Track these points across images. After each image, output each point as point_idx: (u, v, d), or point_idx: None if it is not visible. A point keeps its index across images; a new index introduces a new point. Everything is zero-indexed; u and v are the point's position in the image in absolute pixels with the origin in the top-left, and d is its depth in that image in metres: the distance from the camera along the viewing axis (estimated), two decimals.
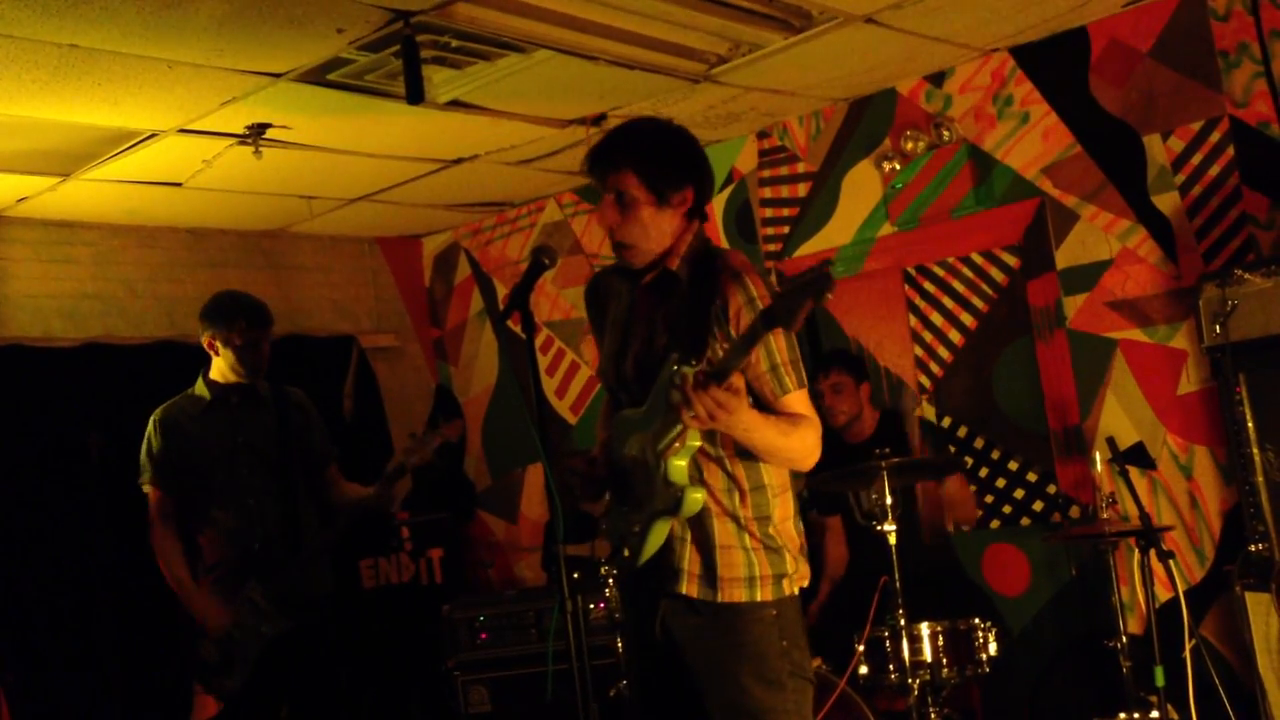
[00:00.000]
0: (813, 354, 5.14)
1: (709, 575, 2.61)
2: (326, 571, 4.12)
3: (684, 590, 2.62)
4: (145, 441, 4.02)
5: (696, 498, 2.53)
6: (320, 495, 4.14)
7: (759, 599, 2.60)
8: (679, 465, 2.51)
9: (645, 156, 2.61)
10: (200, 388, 4.05)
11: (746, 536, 2.62)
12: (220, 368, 4.02)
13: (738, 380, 2.43)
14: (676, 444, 2.50)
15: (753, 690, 2.57)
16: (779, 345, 2.57)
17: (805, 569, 2.72)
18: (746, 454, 2.62)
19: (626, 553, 2.63)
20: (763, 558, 2.62)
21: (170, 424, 4.01)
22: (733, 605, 2.60)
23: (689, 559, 2.62)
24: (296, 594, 3.93)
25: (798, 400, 2.59)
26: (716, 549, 2.61)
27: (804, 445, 2.59)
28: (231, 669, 3.87)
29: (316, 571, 4.04)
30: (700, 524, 2.61)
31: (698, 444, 2.52)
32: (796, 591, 2.68)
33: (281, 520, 3.97)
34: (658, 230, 2.62)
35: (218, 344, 3.98)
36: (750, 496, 2.63)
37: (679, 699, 2.67)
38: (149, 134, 4.29)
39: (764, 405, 2.58)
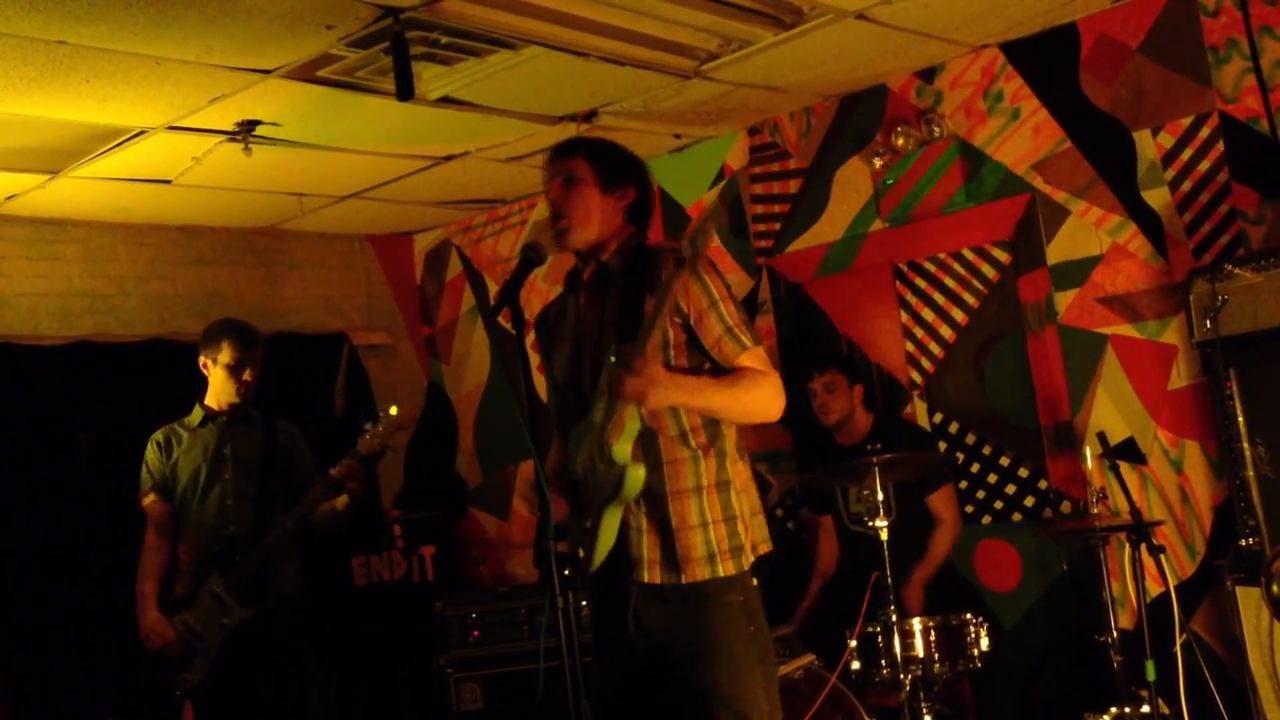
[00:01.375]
0: (806, 353, 5.15)
1: (670, 559, 2.68)
2: (294, 574, 4.22)
3: (646, 578, 2.69)
4: (145, 460, 4.23)
5: (637, 474, 2.62)
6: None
7: (721, 574, 2.68)
8: (620, 447, 2.61)
9: (597, 148, 2.91)
10: (195, 414, 4.26)
11: (706, 509, 2.70)
12: (214, 392, 4.22)
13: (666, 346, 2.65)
14: (618, 429, 2.60)
15: (722, 678, 2.64)
16: (728, 309, 2.73)
17: (751, 545, 2.77)
18: (712, 423, 2.74)
19: (581, 553, 2.70)
20: (720, 531, 2.71)
21: (166, 442, 4.23)
22: (699, 589, 2.67)
23: (647, 546, 2.70)
24: (258, 585, 4.03)
25: (753, 357, 2.74)
26: (674, 531, 2.69)
27: (755, 395, 2.71)
28: (191, 663, 3.99)
29: (282, 571, 4.14)
30: (658, 507, 2.69)
31: (638, 426, 2.63)
32: (754, 559, 2.76)
33: (254, 524, 4.10)
34: (597, 212, 2.84)
35: (209, 364, 4.19)
36: (715, 461, 2.73)
37: (653, 690, 2.74)
38: (138, 131, 4.28)
39: (724, 370, 2.72)
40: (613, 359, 2.59)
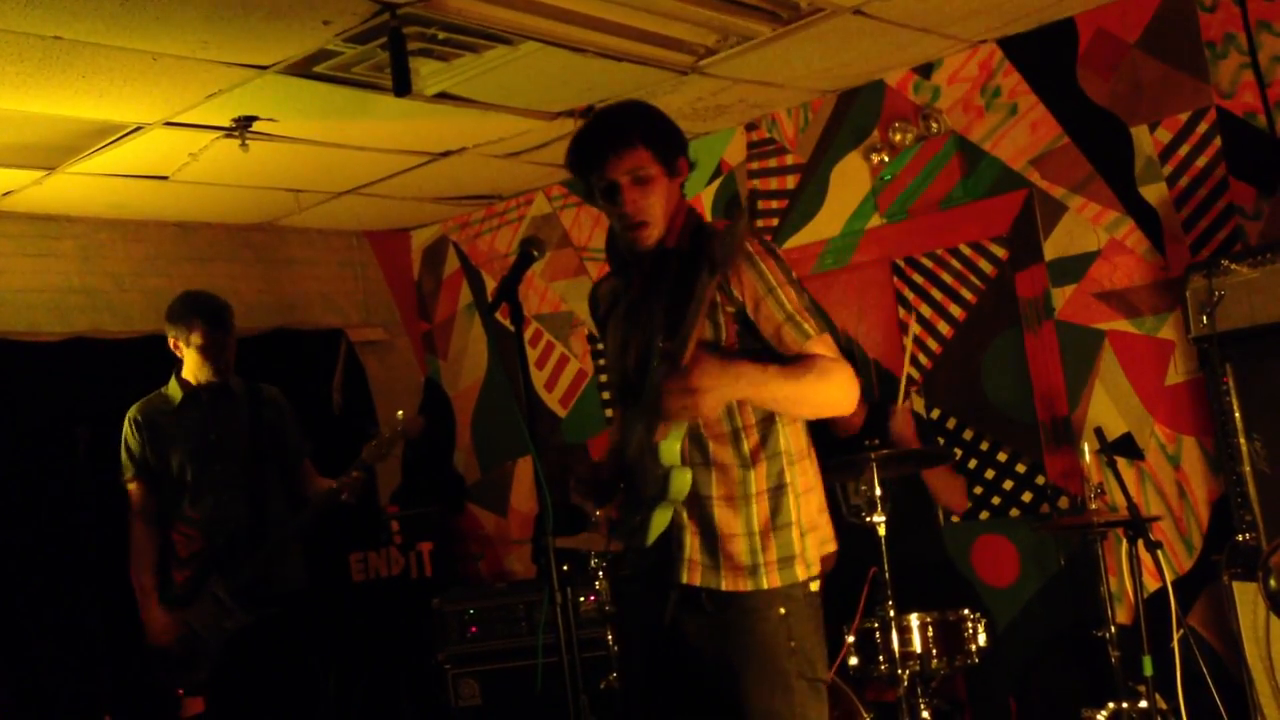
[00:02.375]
0: None
1: (713, 562, 2.54)
2: (298, 568, 4.14)
3: (687, 579, 2.54)
4: (123, 440, 4.08)
5: (684, 478, 2.46)
6: (293, 491, 4.17)
7: (765, 586, 2.52)
8: (668, 447, 2.45)
9: (651, 130, 2.58)
10: (172, 386, 4.09)
11: (754, 518, 2.53)
12: (190, 367, 4.06)
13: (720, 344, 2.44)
14: (665, 428, 2.44)
15: (756, 692, 2.50)
16: (788, 295, 2.51)
17: (818, 550, 2.60)
18: (767, 421, 2.56)
19: (629, 547, 2.59)
20: (769, 541, 2.53)
21: (145, 421, 4.06)
22: (739, 599, 2.53)
23: (690, 546, 2.55)
24: (261, 589, 3.95)
25: (822, 344, 2.52)
26: (719, 537, 2.53)
27: (828, 384, 2.48)
28: (194, 663, 3.93)
29: (285, 567, 4.07)
30: (702, 510, 2.54)
31: (684, 426, 2.47)
32: (813, 574, 2.58)
33: (250, 516, 4.00)
34: (671, 203, 2.59)
35: (180, 345, 4.02)
36: (766, 465, 2.55)
37: (682, 693, 2.63)
38: (134, 127, 4.27)
39: (787, 359, 2.50)
40: (656, 364, 2.44)
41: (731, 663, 2.53)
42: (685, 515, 2.55)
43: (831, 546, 2.66)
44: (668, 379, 2.34)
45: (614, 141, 2.54)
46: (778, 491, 2.56)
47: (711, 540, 2.54)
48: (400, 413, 4.09)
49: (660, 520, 2.52)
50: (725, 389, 2.39)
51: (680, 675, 2.62)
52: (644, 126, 2.58)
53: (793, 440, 2.60)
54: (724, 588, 2.53)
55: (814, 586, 2.61)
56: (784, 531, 2.55)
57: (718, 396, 2.39)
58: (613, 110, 2.68)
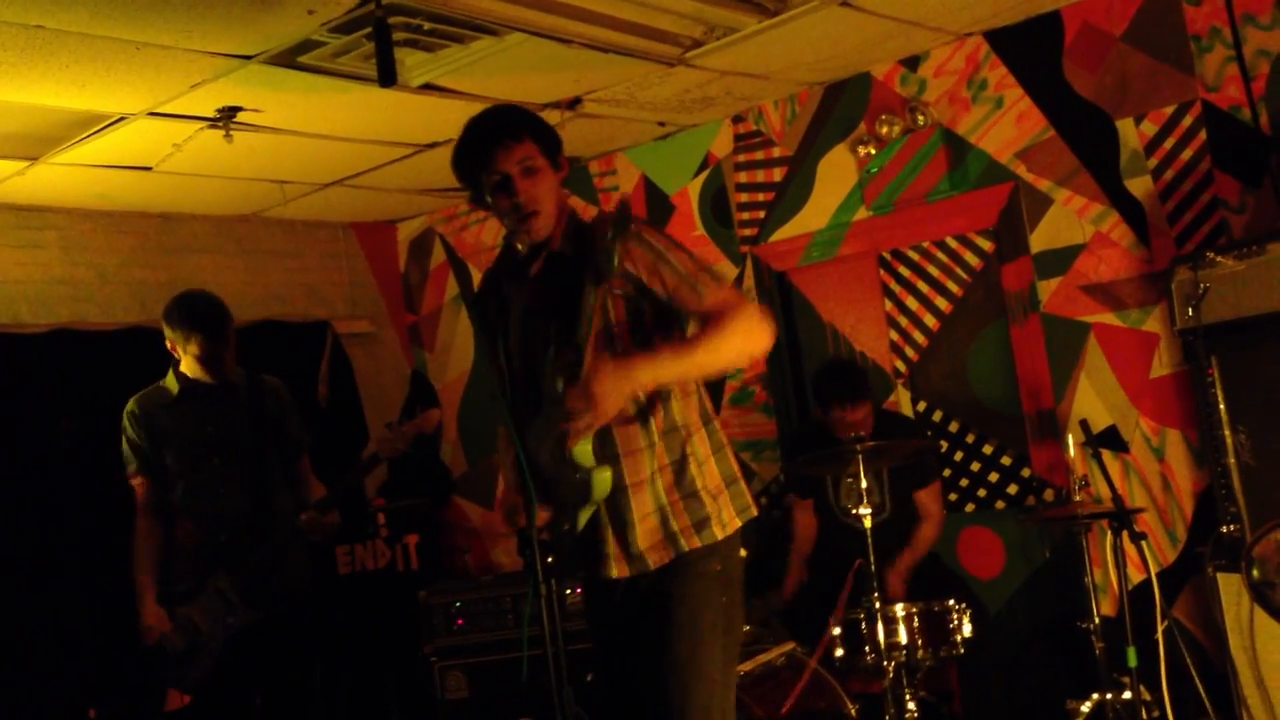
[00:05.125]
0: (790, 342, 5.16)
1: (633, 551, 2.63)
2: (303, 564, 4.06)
3: (613, 574, 2.65)
4: (123, 435, 4.00)
5: (604, 477, 2.55)
6: (294, 485, 4.10)
7: (685, 549, 2.63)
8: (582, 450, 2.53)
9: (534, 126, 2.68)
10: (170, 380, 4.02)
11: (662, 493, 2.63)
12: (188, 366, 3.99)
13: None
14: (575, 437, 2.52)
15: (678, 643, 2.59)
16: (679, 259, 2.60)
17: (733, 508, 2.70)
18: (662, 399, 2.64)
19: (562, 554, 2.62)
20: (679, 510, 2.64)
21: (143, 414, 3.99)
22: (675, 560, 2.63)
23: (609, 541, 2.65)
24: (266, 585, 3.88)
25: (720, 293, 2.59)
26: (630, 525, 2.62)
27: (726, 339, 2.54)
28: (195, 660, 3.84)
29: (290, 563, 3.97)
30: (614, 504, 2.62)
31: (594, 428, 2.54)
32: (729, 533, 2.67)
33: (252, 511, 3.92)
34: (557, 195, 2.68)
35: (178, 349, 3.96)
36: (666, 440, 2.64)
37: (628, 665, 2.70)
38: (118, 117, 4.24)
39: (687, 316, 2.61)
40: (550, 372, 2.53)
41: (661, 613, 2.62)
42: (604, 512, 2.64)
43: (752, 512, 2.75)
44: (570, 395, 2.43)
45: (502, 136, 2.63)
46: (680, 463, 2.65)
47: (624, 530, 2.63)
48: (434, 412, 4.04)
49: (584, 521, 2.62)
50: (623, 387, 2.46)
51: (626, 645, 2.70)
52: (527, 122, 2.68)
53: (688, 413, 2.68)
54: (652, 567, 2.63)
55: (741, 552, 2.73)
56: (691, 499, 2.65)
57: (618, 397, 2.46)
58: (491, 111, 2.78)
